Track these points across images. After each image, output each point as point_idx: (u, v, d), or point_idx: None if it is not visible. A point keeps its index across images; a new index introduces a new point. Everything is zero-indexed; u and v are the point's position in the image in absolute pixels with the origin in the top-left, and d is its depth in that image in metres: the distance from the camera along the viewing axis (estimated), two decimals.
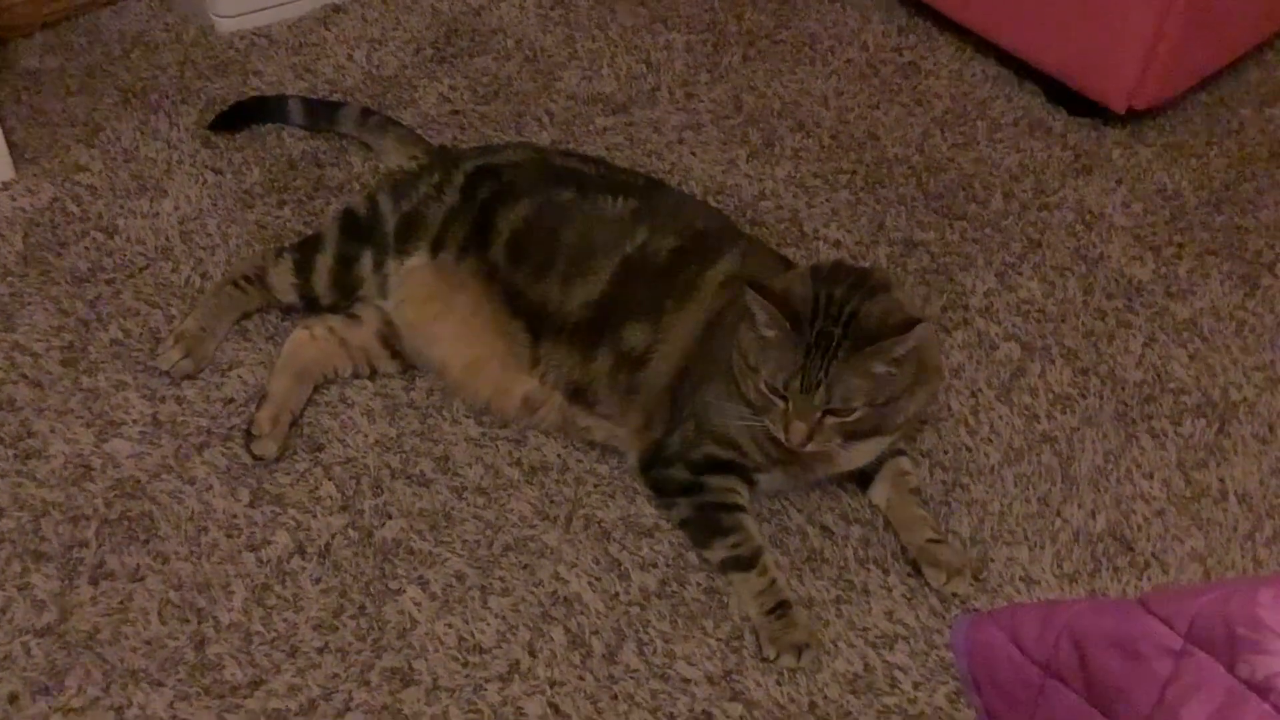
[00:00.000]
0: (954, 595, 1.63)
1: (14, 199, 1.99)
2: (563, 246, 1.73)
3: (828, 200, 2.17)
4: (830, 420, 1.51)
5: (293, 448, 1.71)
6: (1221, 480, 1.80)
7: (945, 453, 1.80)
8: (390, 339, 1.80)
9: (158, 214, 2.00)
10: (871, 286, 1.52)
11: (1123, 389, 1.91)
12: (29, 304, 1.84)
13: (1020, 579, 1.66)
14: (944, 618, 1.61)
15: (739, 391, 1.57)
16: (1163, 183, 2.27)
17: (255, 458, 1.68)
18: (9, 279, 1.87)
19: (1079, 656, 0.98)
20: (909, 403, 1.58)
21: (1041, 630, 1.01)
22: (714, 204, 2.10)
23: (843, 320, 1.48)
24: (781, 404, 1.51)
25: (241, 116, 2.15)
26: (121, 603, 1.53)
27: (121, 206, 2.00)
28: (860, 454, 1.64)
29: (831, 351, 1.47)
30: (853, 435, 1.55)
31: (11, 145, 2.03)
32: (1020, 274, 2.07)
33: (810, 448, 1.52)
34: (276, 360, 1.77)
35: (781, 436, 1.52)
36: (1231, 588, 0.93)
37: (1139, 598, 0.96)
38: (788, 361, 1.49)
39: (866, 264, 2.04)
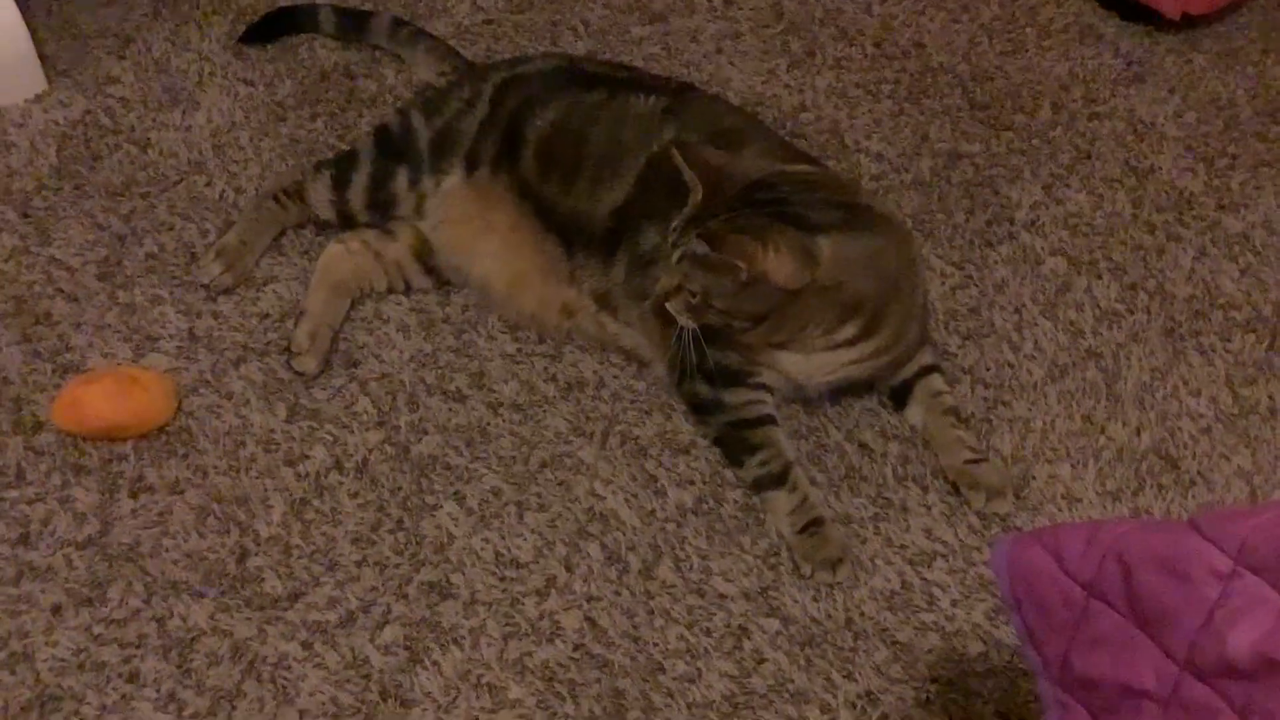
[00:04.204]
0: (994, 515, 1.62)
1: (46, 111, 1.98)
2: (590, 150, 1.71)
3: (870, 111, 2.12)
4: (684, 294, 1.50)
5: (330, 363, 1.70)
6: (1270, 397, 1.77)
7: (987, 369, 1.77)
8: (425, 255, 1.78)
9: (190, 127, 1.98)
10: (797, 217, 1.48)
11: (1171, 304, 1.87)
12: (64, 218, 1.83)
13: (1062, 497, 1.64)
14: (983, 535, 1.60)
15: None
16: (1217, 92, 2.20)
17: (297, 374, 1.68)
18: (44, 192, 1.86)
19: (1124, 577, 0.97)
20: (810, 324, 1.54)
21: (1086, 550, 0.99)
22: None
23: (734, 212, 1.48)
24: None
25: (273, 28, 2.12)
26: (161, 515, 1.54)
27: (154, 120, 1.99)
28: (799, 365, 1.61)
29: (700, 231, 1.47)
30: (705, 317, 1.52)
31: (43, 57, 2.01)
32: (1068, 186, 2.02)
33: (672, 308, 1.52)
34: (312, 277, 1.76)
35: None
36: None
37: (1188, 519, 0.94)
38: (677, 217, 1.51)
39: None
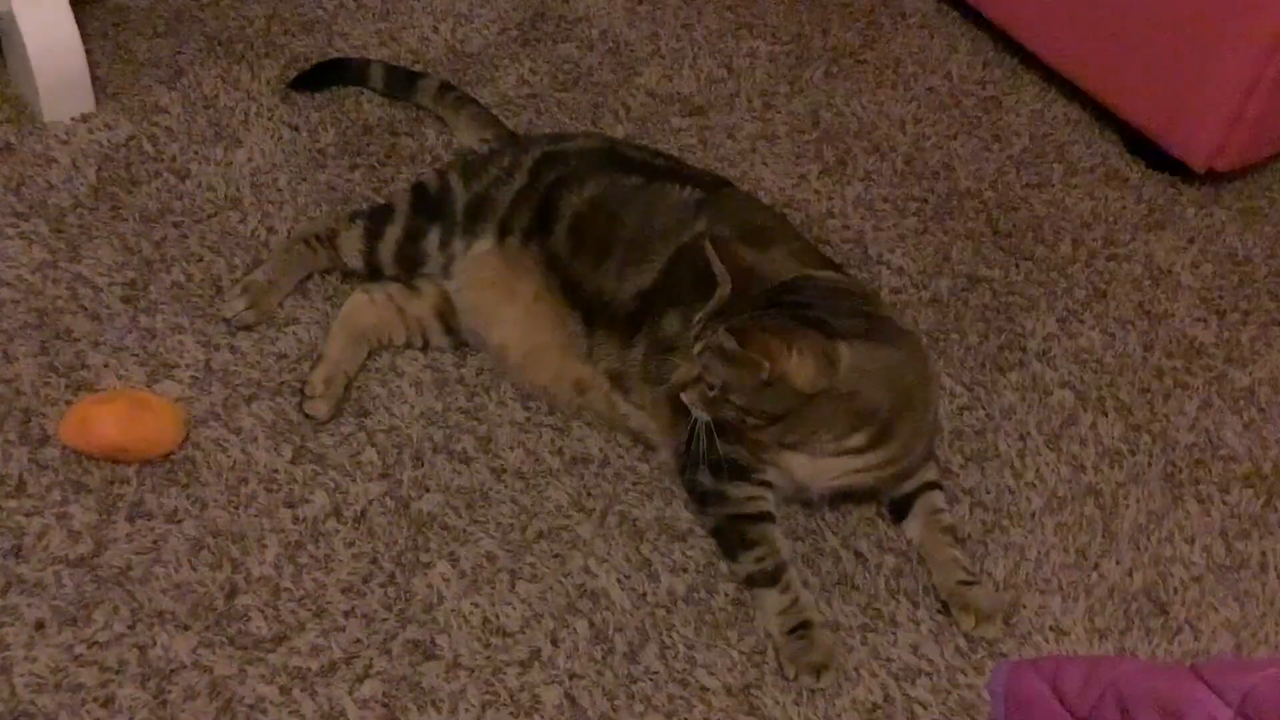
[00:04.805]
0: (982, 638, 1.62)
1: (92, 131, 2.01)
2: (622, 232, 1.73)
3: (895, 226, 2.15)
4: (701, 386, 1.52)
5: (341, 411, 1.71)
6: (1263, 553, 1.78)
7: (988, 492, 1.79)
8: (447, 315, 1.80)
9: (231, 163, 2.01)
10: (820, 320, 1.50)
11: (1173, 450, 1.89)
12: (96, 238, 1.85)
13: (1050, 628, 1.65)
14: (969, 658, 1.60)
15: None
16: (1234, 247, 2.24)
17: (307, 417, 1.69)
18: (79, 210, 1.89)
19: (1121, 716, 0.97)
20: (822, 429, 1.54)
21: (1085, 685, 1.00)
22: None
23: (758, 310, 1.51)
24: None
25: (323, 77, 2.16)
26: (155, 542, 1.54)
27: (196, 152, 2.01)
28: (805, 467, 1.61)
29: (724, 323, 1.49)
30: (720, 410, 1.52)
31: (95, 78, 2.04)
32: (1082, 322, 2.05)
33: (686, 398, 1.53)
34: (333, 323, 1.77)
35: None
36: None
37: (1191, 665, 0.95)
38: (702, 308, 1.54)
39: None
